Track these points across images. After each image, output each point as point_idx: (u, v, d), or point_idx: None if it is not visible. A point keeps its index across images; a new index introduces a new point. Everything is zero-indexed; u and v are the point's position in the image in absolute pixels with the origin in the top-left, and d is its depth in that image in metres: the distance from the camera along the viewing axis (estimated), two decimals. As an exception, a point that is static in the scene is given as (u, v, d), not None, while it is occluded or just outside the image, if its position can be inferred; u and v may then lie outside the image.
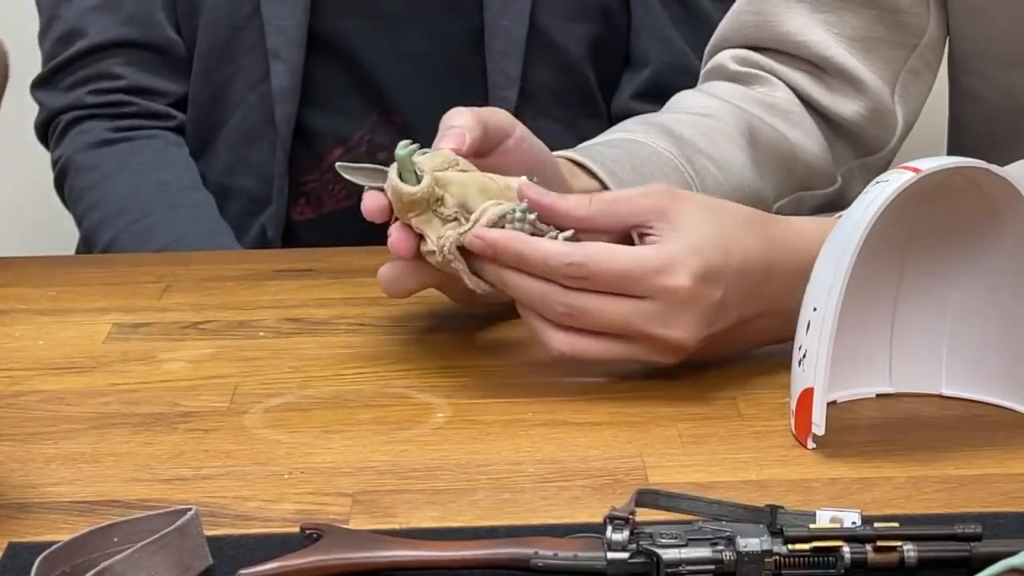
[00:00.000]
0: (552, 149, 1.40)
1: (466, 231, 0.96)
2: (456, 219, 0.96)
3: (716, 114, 1.22)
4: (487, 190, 0.97)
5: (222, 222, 1.46)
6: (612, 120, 1.52)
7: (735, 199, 1.08)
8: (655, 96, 1.50)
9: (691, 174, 1.16)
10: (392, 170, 0.97)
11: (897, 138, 1.28)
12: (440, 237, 0.96)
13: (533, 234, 0.96)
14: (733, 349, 1.00)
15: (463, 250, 0.96)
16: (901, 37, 1.26)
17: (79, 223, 1.49)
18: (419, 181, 0.96)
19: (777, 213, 1.20)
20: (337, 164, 1.01)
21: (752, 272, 0.97)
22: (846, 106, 1.26)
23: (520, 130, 1.04)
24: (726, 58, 1.29)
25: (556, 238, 0.96)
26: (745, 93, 1.26)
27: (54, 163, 1.52)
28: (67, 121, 1.51)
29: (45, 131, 1.53)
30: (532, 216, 0.96)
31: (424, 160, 0.98)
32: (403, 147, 0.97)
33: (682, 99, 1.27)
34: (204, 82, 1.49)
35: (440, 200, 0.96)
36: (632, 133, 1.19)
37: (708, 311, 0.96)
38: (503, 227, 0.96)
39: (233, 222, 1.47)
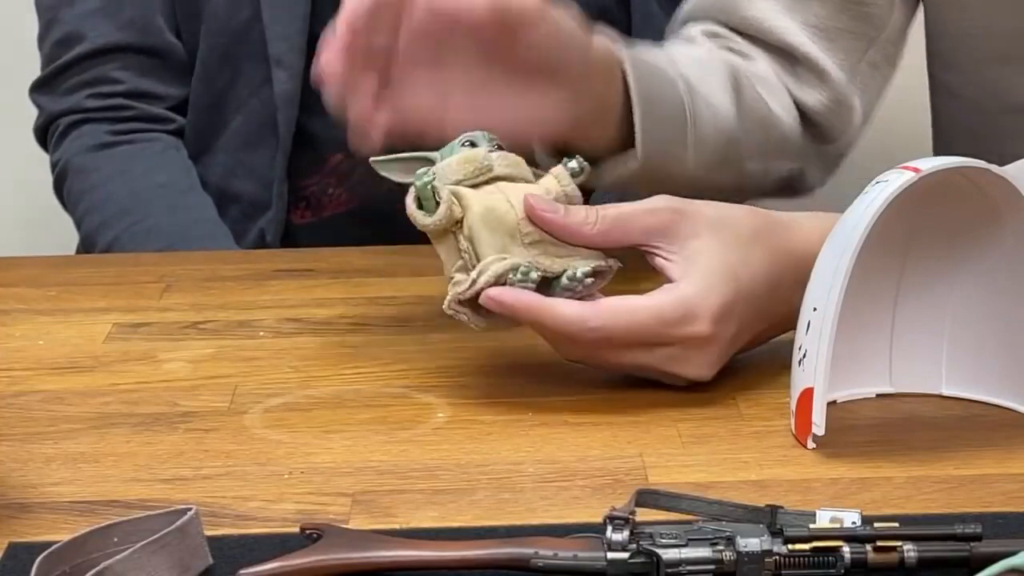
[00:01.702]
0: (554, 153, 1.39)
1: (465, 290, 0.95)
2: (466, 257, 0.96)
3: (706, 60, 1.21)
4: (491, 216, 0.96)
5: (221, 225, 1.46)
6: None
7: (719, 146, 1.07)
8: None
9: (691, 111, 1.14)
10: (410, 195, 0.97)
11: (854, 129, 1.27)
12: (451, 280, 0.96)
13: (542, 279, 0.96)
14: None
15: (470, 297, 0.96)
16: (863, 28, 1.24)
17: (78, 226, 1.49)
18: (438, 206, 0.96)
19: (748, 171, 1.19)
20: (371, 160, 1.01)
21: (760, 294, 0.97)
22: (810, 95, 1.25)
23: (547, 25, 1.02)
24: (695, 31, 1.27)
25: (575, 273, 0.95)
26: (726, 54, 1.25)
27: (53, 166, 1.52)
28: (66, 124, 1.51)
29: (44, 134, 1.53)
30: (535, 275, 0.95)
31: (448, 171, 0.97)
32: (419, 177, 0.96)
33: (669, 47, 1.25)
34: (204, 86, 1.49)
35: (459, 223, 0.96)
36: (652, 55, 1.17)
37: (724, 346, 0.97)
38: (503, 284, 0.95)
39: (232, 226, 1.47)
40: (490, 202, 0.96)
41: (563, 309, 0.95)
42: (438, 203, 0.96)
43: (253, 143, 1.47)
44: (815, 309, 0.89)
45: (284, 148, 1.45)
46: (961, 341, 0.96)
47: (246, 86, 1.47)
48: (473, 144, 0.99)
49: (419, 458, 0.90)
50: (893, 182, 0.88)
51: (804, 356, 0.90)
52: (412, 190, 0.96)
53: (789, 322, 0.94)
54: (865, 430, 0.93)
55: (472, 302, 0.96)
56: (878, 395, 0.97)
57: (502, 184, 0.98)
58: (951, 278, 0.96)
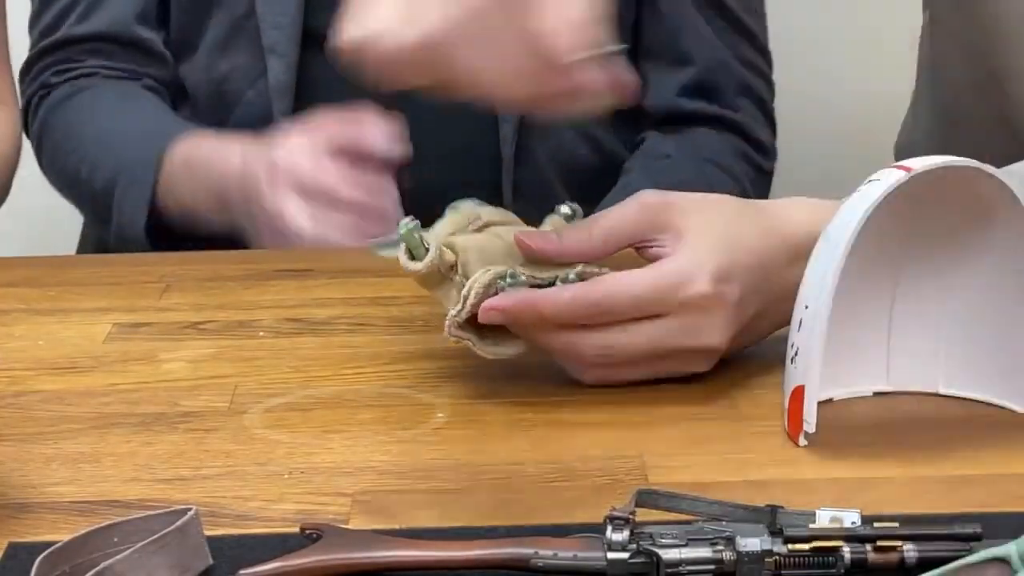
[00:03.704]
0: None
1: (460, 311, 0.95)
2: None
3: None
4: (486, 252, 0.97)
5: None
6: (650, 117, 1.53)
7: None
8: (701, 93, 1.51)
9: None
10: (400, 250, 0.97)
11: None
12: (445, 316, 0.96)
13: (533, 286, 0.96)
14: (747, 344, 1.01)
15: (471, 320, 0.96)
16: None
17: (71, 182, 1.48)
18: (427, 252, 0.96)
19: None
20: (368, 243, 1.02)
21: (755, 266, 0.98)
22: None
23: None
24: None
25: (568, 276, 0.96)
26: None
27: (33, 143, 1.52)
28: (36, 102, 1.51)
29: (26, 121, 1.54)
30: (523, 277, 0.96)
31: (440, 229, 0.98)
32: (404, 226, 0.96)
33: None
34: (204, 78, 1.49)
35: (453, 267, 0.96)
36: None
37: (730, 310, 0.96)
38: (495, 293, 0.95)
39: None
40: (482, 241, 0.98)
41: (562, 293, 0.95)
42: (427, 249, 0.96)
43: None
44: (807, 307, 0.89)
45: None
46: (958, 340, 0.96)
47: (243, 79, 1.47)
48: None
49: (419, 458, 0.90)
50: (884, 180, 0.88)
51: (796, 354, 0.90)
52: (402, 244, 0.97)
53: (788, 303, 0.94)
54: (864, 430, 0.93)
55: (473, 325, 0.96)
56: (875, 393, 0.97)
57: (493, 228, 0.99)
58: (948, 277, 0.96)
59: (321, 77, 1.45)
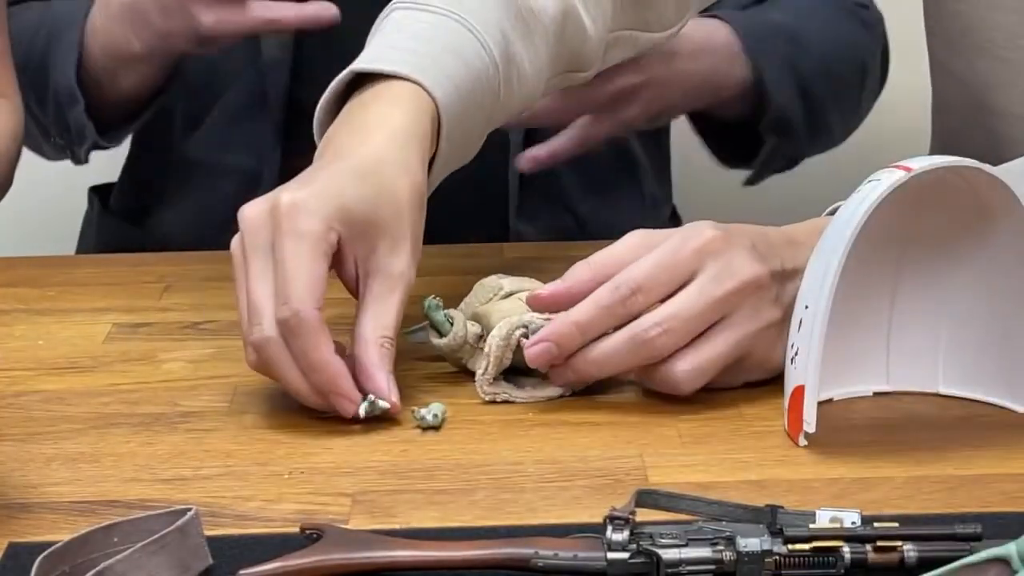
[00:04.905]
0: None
1: (485, 370, 0.97)
2: None
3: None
4: (508, 315, 0.98)
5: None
6: None
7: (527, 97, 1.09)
8: None
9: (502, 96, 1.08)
10: (429, 329, 1.00)
11: (679, 27, 1.23)
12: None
13: None
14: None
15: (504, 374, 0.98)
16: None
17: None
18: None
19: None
20: (404, 332, 1.03)
21: (755, 234, 0.98)
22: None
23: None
24: None
25: None
26: None
27: None
28: None
29: None
30: (539, 322, 0.96)
31: (467, 308, 1.01)
32: (427, 305, 0.99)
33: None
34: (197, 58, 1.48)
35: (482, 337, 0.99)
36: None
37: (749, 249, 0.96)
38: (517, 343, 0.96)
39: (227, 201, 1.46)
40: (504, 308, 0.99)
41: (589, 297, 0.95)
42: (451, 323, 0.99)
43: (246, 116, 1.46)
44: (807, 307, 0.89)
45: (274, 116, 1.44)
46: (958, 340, 0.96)
47: (239, 58, 1.46)
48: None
49: (419, 458, 0.90)
50: (884, 181, 0.88)
51: (796, 354, 0.90)
52: (428, 324, 1.00)
53: None
54: (864, 430, 0.94)
55: (507, 378, 0.98)
56: (875, 393, 0.97)
57: (516, 295, 1.01)
58: (947, 277, 0.96)
59: (316, 55, 1.45)
